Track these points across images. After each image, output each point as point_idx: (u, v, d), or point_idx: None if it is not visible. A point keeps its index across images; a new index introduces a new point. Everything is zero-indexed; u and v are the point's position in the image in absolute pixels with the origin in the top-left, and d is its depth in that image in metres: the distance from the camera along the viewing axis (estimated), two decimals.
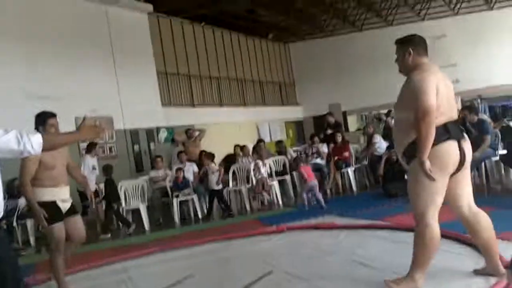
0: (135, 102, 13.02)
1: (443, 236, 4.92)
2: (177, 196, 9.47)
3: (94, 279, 5.45)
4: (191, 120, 15.17)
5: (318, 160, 10.49)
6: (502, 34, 18.81)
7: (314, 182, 8.86)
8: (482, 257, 4.16)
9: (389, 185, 8.56)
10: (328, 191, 10.26)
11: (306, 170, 9.05)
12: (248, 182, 10.08)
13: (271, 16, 18.40)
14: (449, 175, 3.60)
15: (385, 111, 16.86)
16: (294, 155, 12.19)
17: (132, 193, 9.42)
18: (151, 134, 14.08)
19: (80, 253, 5.54)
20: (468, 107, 8.78)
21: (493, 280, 3.59)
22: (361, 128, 15.61)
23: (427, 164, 3.42)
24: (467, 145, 3.64)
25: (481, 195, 7.62)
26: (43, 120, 4.66)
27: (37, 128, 4.65)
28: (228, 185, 10.11)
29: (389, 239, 5.41)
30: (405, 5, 18.93)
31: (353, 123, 21.01)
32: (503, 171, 8.86)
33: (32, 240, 8.83)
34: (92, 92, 11.71)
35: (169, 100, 15.30)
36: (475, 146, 7.85)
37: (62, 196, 4.78)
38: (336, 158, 10.59)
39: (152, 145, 13.93)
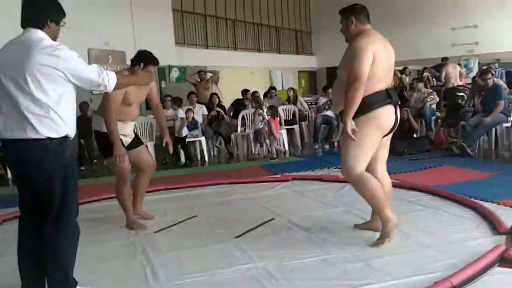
0: (148, 38, 12.79)
1: (449, 199, 5.00)
2: (185, 137, 9.49)
3: (100, 211, 5.51)
4: (204, 62, 15.05)
5: (329, 112, 10.43)
6: None
7: (277, 135, 9.16)
8: (484, 221, 4.21)
9: (397, 143, 8.52)
10: (336, 144, 10.24)
11: (274, 123, 9.09)
12: None
13: None
14: (383, 136, 3.88)
15: (401, 67, 16.65)
16: (305, 105, 12.15)
17: (140, 130, 9.44)
18: (162, 72, 14.01)
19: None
20: (484, 71, 8.66)
21: (490, 243, 3.61)
22: None
23: (350, 125, 3.67)
24: (399, 111, 3.94)
25: (489, 160, 7.63)
26: (143, 63, 4.53)
27: (133, 63, 4.56)
28: (236, 130, 10.12)
29: (391, 195, 5.42)
30: None
31: None
32: None
33: None
34: (105, 24, 11.58)
35: (183, 39, 15.17)
36: (488, 111, 7.86)
37: (125, 132, 4.70)
38: None
39: (163, 84, 13.87)
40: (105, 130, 4.52)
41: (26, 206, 3.12)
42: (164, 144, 5.04)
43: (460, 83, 12.38)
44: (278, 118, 9.79)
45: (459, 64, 14.58)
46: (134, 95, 4.62)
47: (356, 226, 4.36)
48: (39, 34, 2.96)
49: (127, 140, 4.76)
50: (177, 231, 4.65)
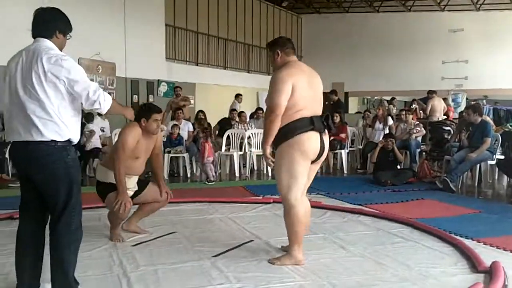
0: (139, 51, 12.91)
1: (429, 233, 4.99)
2: (168, 152, 9.45)
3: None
4: (193, 78, 15.09)
5: None
6: None
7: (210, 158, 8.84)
8: (463, 258, 4.20)
9: (380, 173, 8.55)
10: (318, 170, 10.23)
11: (208, 147, 8.88)
12: (240, 149, 10.07)
13: None
14: (310, 161, 3.99)
15: (388, 97, 16.79)
16: None
17: None
18: (151, 86, 14.00)
19: None
20: (472, 106, 8.73)
21: (468, 281, 3.60)
22: (361, 111, 15.54)
23: (268, 150, 3.95)
24: (326, 138, 4.06)
25: (471, 196, 7.65)
26: (148, 113, 4.64)
27: (138, 119, 4.61)
28: (220, 149, 10.09)
29: (371, 226, 5.43)
30: None
31: (354, 105, 20.91)
32: (496, 176, 8.87)
33: None
34: (97, 35, 11.59)
35: (174, 55, 15.19)
36: (474, 147, 7.91)
37: (129, 185, 4.66)
38: (331, 138, 10.54)
39: (151, 98, 13.86)
40: (108, 180, 4.59)
41: (28, 207, 3.27)
42: (162, 195, 4.93)
43: (444, 118, 12.50)
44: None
45: (445, 99, 14.75)
46: (143, 146, 4.69)
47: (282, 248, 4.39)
48: (47, 43, 3.17)
49: (130, 193, 4.72)
50: (156, 246, 4.59)
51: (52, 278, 3.18)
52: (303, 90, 3.89)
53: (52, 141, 3.06)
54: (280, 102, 3.82)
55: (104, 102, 3.16)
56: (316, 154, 3.99)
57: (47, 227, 3.26)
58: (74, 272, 3.22)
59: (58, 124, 3.07)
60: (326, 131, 4.05)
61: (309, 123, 3.90)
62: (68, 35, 3.31)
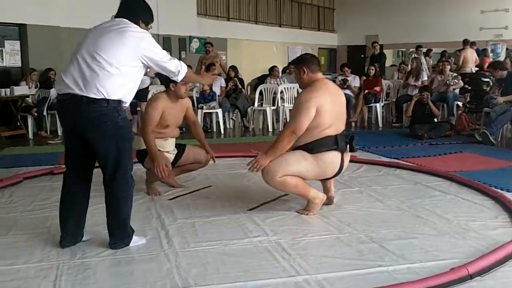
0: (171, 7, 12.77)
1: (468, 186, 4.90)
2: (201, 108, 9.45)
3: None
4: (224, 34, 14.95)
5: (347, 91, 10.30)
6: None
7: None
8: (504, 211, 4.13)
9: (417, 126, 8.40)
10: (353, 124, 10.15)
11: None
12: (273, 104, 10.01)
13: None
14: (319, 178, 4.24)
15: (425, 49, 16.35)
16: None
17: None
18: (183, 43, 13.93)
19: None
20: (491, 64, 8.53)
21: (510, 234, 3.54)
22: (396, 64, 15.21)
23: (264, 162, 3.96)
24: (347, 158, 4.18)
25: (511, 149, 7.46)
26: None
27: (167, 84, 4.65)
28: (254, 104, 10.06)
29: (408, 179, 5.36)
30: None
31: (388, 58, 20.47)
32: None
33: (60, 130, 9.00)
34: None
35: (205, 10, 15.03)
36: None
37: (167, 148, 4.76)
38: (366, 91, 10.38)
39: (183, 54, 13.81)
40: (143, 147, 4.57)
41: (73, 163, 3.39)
42: (210, 158, 5.08)
43: (476, 69, 12.15)
44: None
45: (485, 49, 14.31)
46: (171, 116, 4.69)
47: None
48: (132, 23, 3.31)
49: (171, 157, 4.78)
50: (192, 200, 4.65)
51: (111, 229, 3.35)
52: (328, 110, 3.96)
53: (104, 100, 3.12)
54: (302, 126, 3.92)
55: (180, 73, 3.39)
56: (334, 173, 4.14)
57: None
58: (130, 220, 3.41)
59: (117, 81, 3.16)
60: (347, 149, 4.15)
61: (334, 143, 4.00)
62: (150, 26, 3.46)
